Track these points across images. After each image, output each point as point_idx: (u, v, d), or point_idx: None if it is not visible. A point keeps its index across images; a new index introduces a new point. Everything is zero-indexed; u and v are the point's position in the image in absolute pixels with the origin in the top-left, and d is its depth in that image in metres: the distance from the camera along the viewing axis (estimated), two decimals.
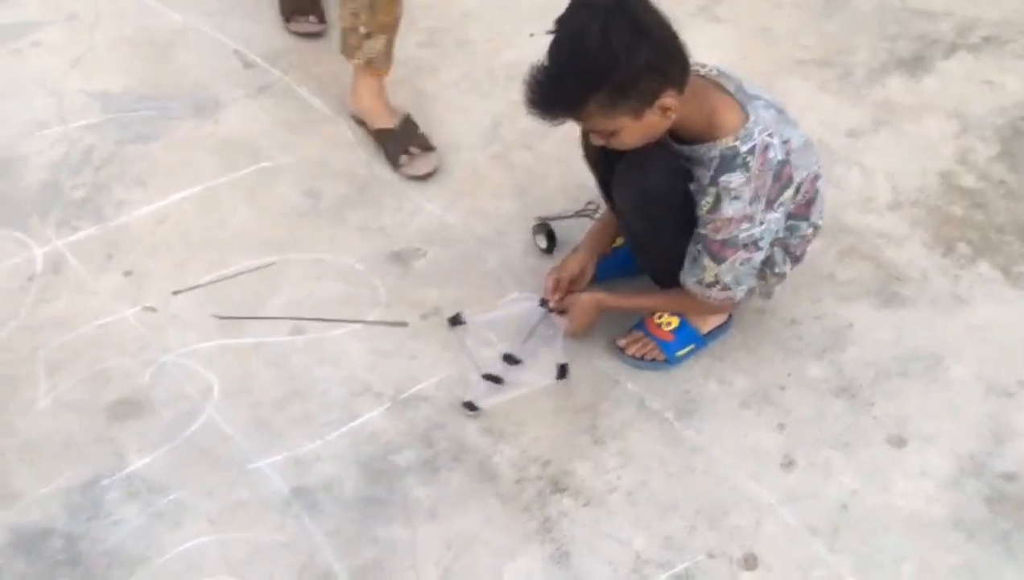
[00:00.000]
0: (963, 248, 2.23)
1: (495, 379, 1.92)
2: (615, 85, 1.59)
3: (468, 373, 1.95)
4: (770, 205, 1.74)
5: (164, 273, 2.12)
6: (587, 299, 1.97)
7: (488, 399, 1.90)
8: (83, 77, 2.58)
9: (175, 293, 2.08)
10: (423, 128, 2.42)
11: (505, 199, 2.33)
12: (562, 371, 1.92)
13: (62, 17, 2.75)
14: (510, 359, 1.96)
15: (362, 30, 2.30)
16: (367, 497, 1.77)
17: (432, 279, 2.14)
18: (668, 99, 1.63)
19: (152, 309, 2.05)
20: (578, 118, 1.68)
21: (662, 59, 1.61)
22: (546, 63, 1.63)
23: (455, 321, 2.03)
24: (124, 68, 2.62)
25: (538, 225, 2.20)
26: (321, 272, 2.15)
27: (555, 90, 1.63)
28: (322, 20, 2.72)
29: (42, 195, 2.28)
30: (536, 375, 1.94)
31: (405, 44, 2.38)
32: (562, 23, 1.62)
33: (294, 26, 2.72)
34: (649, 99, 1.62)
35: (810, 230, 1.90)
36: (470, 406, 1.89)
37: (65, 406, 1.88)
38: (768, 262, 1.87)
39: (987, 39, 2.80)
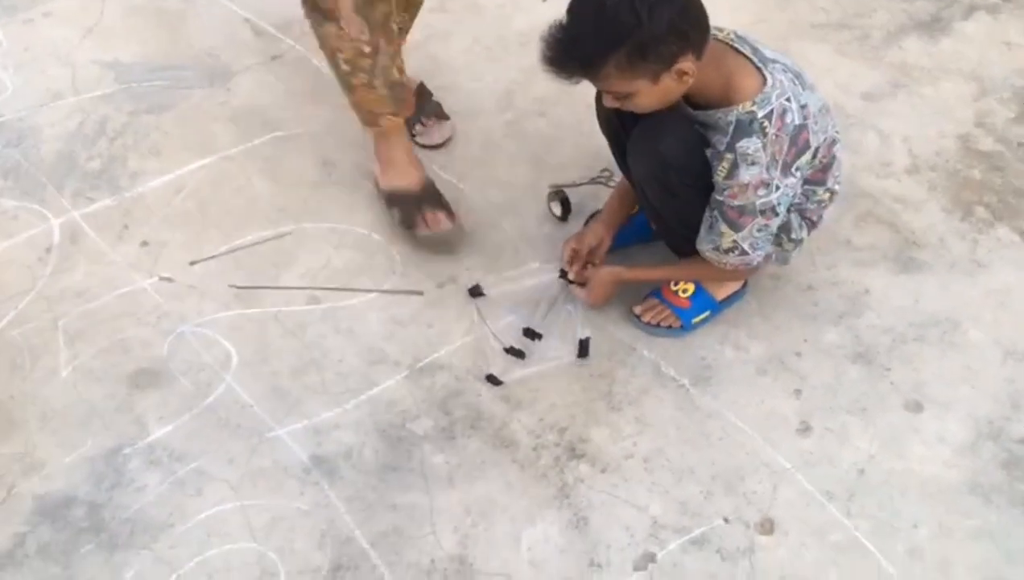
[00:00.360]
0: (981, 212, 2.21)
1: (518, 353, 1.93)
2: (635, 46, 1.58)
3: (487, 345, 1.95)
4: (787, 170, 1.72)
5: (181, 243, 2.13)
6: (606, 273, 1.97)
7: (510, 373, 1.90)
8: (95, 47, 2.58)
9: (192, 263, 2.09)
10: (436, 96, 2.41)
11: (520, 167, 2.32)
12: (583, 348, 1.92)
13: None
14: (530, 334, 1.96)
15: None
16: (385, 464, 1.78)
17: None
18: (686, 63, 1.62)
19: (169, 279, 2.06)
20: (595, 79, 1.67)
21: (684, 22, 1.59)
22: (565, 21, 1.61)
23: (475, 292, 2.03)
24: (136, 38, 2.61)
25: (553, 193, 2.19)
26: (337, 241, 2.15)
27: (574, 49, 1.61)
28: (450, 214, 2.13)
29: (57, 166, 2.29)
30: (557, 350, 1.94)
31: None
32: None
33: (422, 231, 2.12)
34: (668, 63, 1.61)
35: (827, 195, 1.89)
36: (493, 379, 1.89)
37: (86, 376, 1.89)
38: (784, 228, 1.86)
39: None
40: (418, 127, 2.32)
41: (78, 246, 2.12)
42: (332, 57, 2.00)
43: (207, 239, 2.14)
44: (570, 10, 1.62)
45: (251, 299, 2.03)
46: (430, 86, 2.42)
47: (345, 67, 1.99)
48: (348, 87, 2.05)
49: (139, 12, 2.68)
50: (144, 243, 2.13)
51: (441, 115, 2.36)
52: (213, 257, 2.10)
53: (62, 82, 2.48)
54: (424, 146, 2.32)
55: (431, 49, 2.59)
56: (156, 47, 2.59)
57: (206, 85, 2.48)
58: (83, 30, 2.62)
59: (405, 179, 2.14)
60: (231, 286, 2.04)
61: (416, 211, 2.11)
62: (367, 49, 1.94)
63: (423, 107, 2.35)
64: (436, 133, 2.33)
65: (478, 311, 2.00)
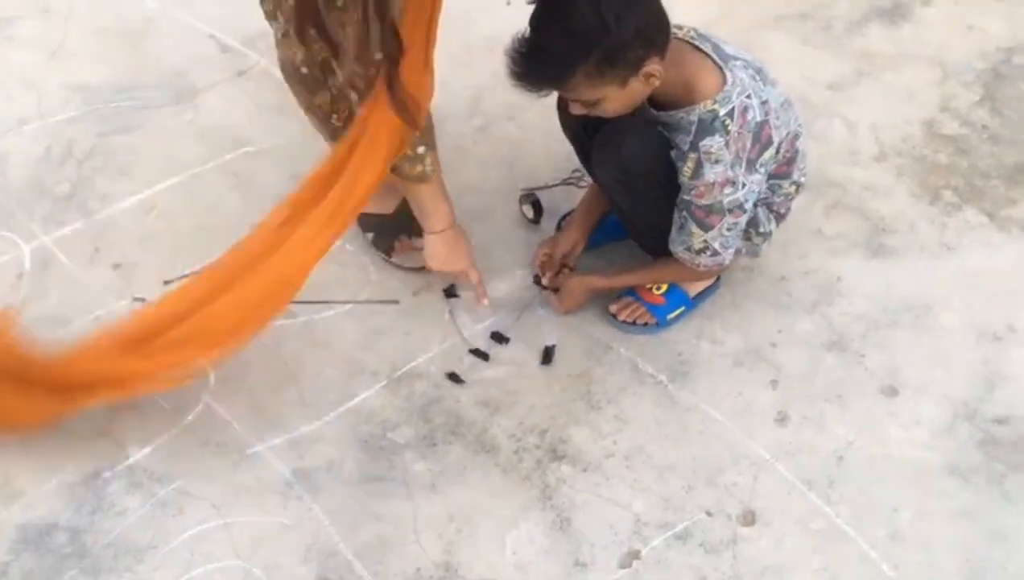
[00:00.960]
0: (949, 195, 2.23)
1: (482, 355, 1.94)
2: (603, 55, 1.57)
3: (456, 346, 1.96)
4: (751, 167, 1.73)
5: (153, 263, 2.12)
6: (577, 283, 1.98)
7: (474, 373, 1.91)
8: (61, 70, 2.56)
9: (166, 283, 2.08)
10: None
11: (490, 171, 2.32)
12: (547, 355, 1.93)
13: (36, 10, 2.73)
14: (498, 337, 1.97)
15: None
16: (368, 475, 1.78)
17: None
18: (653, 66, 1.62)
19: (143, 300, 2.05)
20: (563, 89, 1.67)
21: (649, 25, 1.60)
22: (530, 33, 1.60)
23: (449, 293, 2.04)
24: (101, 59, 2.60)
25: (524, 195, 2.20)
26: None
27: (542, 61, 1.61)
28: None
29: (26, 192, 2.27)
30: (523, 354, 1.95)
31: None
32: None
33: (400, 258, 2.11)
34: (635, 68, 1.62)
35: (793, 188, 1.90)
36: (455, 378, 1.90)
37: None
38: (753, 222, 1.87)
39: None
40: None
41: (50, 271, 2.11)
42: (325, 117, 1.94)
43: (180, 258, 2.12)
44: (534, 22, 1.60)
45: None
46: None
47: (338, 123, 1.94)
48: (336, 135, 1.98)
49: (103, 33, 2.67)
50: (117, 265, 2.12)
51: None
52: (187, 275, 2.09)
53: (27, 107, 2.47)
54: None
55: None
56: (121, 67, 2.58)
57: (173, 103, 2.47)
58: (47, 53, 2.61)
59: (381, 203, 2.11)
60: None
61: (392, 237, 2.10)
62: (364, 112, 1.86)
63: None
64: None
65: (450, 312, 2.01)
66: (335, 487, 1.77)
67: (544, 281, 2.01)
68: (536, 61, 1.61)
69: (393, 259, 2.11)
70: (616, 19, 1.54)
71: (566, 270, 2.02)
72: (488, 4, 2.72)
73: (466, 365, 1.93)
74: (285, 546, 1.69)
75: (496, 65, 1.68)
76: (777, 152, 1.78)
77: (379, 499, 1.75)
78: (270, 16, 1.84)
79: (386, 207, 2.13)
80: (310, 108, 1.95)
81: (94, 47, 2.63)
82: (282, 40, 1.85)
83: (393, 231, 2.11)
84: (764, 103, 1.71)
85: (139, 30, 2.68)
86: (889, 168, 2.30)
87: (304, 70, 1.86)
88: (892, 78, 2.52)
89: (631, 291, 1.99)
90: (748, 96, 1.69)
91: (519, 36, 1.62)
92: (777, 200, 1.89)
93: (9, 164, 2.33)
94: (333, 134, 2.01)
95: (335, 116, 1.93)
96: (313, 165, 2.29)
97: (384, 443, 1.83)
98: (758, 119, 1.70)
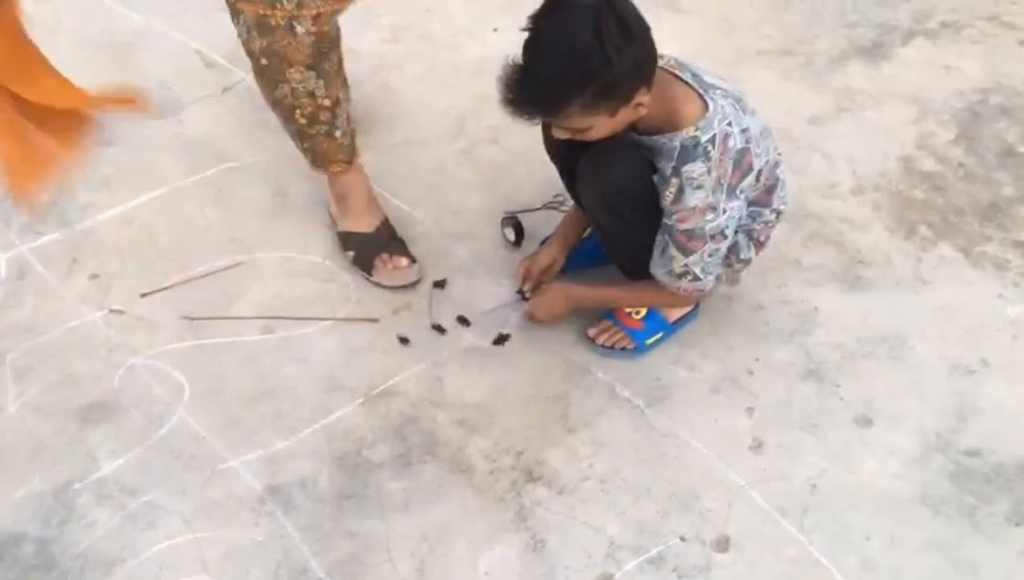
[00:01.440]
0: (924, 231, 2.26)
1: (439, 330, 2.01)
2: (601, 87, 1.58)
3: (435, 365, 1.97)
4: (731, 193, 1.75)
5: (131, 275, 2.11)
6: (556, 289, 1.99)
7: (452, 392, 1.93)
8: None
9: (143, 295, 2.07)
10: (388, 123, 2.41)
11: (473, 194, 2.33)
12: (500, 338, 1.98)
13: None
14: (462, 320, 2.03)
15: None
16: (342, 492, 1.77)
17: None
18: (642, 96, 1.64)
19: (120, 312, 2.04)
20: (555, 118, 1.67)
21: (644, 58, 1.61)
22: (528, 63, 1.60)
23: (439, 285, 2.10)
24: (86, 71, 2.55)
25: (506, 218, 2.21)
26: (290, 270, 2.14)
27: (538, 90, 1.61)
28: (409, 257, 2.11)
29: (5, 200, 2.25)
30: (478, 338, 2.01)
31: (369, 40, 2.38)
32: (548, 22, 1.59)
33: (381, 277, 2.09)
34: (628, 98, 1.63)
35: (773, 216, 1.92)
36: (403, 339, 1.98)
37: (34, 411, 1.87)
38: (733, 249, 1.89)
39: (944, 25, 2.84)
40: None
41: (26, 281, 2.10)
42: (289, 114, 1.96)
43: (159, 271, 2.12)
44: (534, 52, 1.60)
45: (204, 330, 2.01)
46: (383, 114, 2.43)
47: (303, 120, 1.96)
48: (303, 136, 2.01)
49: (90, 45, 2.67)
50: (94, 276, 2.11)
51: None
52: (165, 288, 2.08)
53: None
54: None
55: (384, 78, 2.61)
56: (107, 80, 2.55)
57: (157, 117, 2.47)
58: None
59: (362, 222, 2.13)
60: (183, 317, 2.03)
61: (373, 255, 2.11)
62: (327, 103, 1.93)
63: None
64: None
65: (430, 296, 2.07)
66: (308, 504, 1.75)
67: (523, 287, 2.04)
68: (532, 90, 1.60)
69: (373, 277, 2.11)
70: (618, 52, 1.55)
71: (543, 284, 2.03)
72: (475, 28, 2.76)
73: (421, 335, 2.00)
74: (255, 562, 1.67)
75: (481, 88, 1.70)
76: (758, 179, 1.80)
77: (352, 517, 1.74)
78: (235, 12, 1.86)
79: (367, 225, 2.13)
80: (275, 103, 1.97)
81: (79, 59, 2.60)
82: (247, 36, 1.87)
83: (374, 249, 2.12)
84: (744, 131, 1.73)
85: (125, 44, 2.68)
86: (866, 202, 2.33)
87: (263, 61, 1.87)
88: (871, 115, 2.56)
89: (610, 314, 2.00)
90: (729, 124, 1.71)
91: (513, 63, 1.61)
92: (757, 227, 1.91)
93: None
94: (298, 133, 2.02)
95: (298, 111, 1.95)
96: (294, 182, 2.31)
97: (359, 461, 1.82)
98: (739, 146, 1.72)
